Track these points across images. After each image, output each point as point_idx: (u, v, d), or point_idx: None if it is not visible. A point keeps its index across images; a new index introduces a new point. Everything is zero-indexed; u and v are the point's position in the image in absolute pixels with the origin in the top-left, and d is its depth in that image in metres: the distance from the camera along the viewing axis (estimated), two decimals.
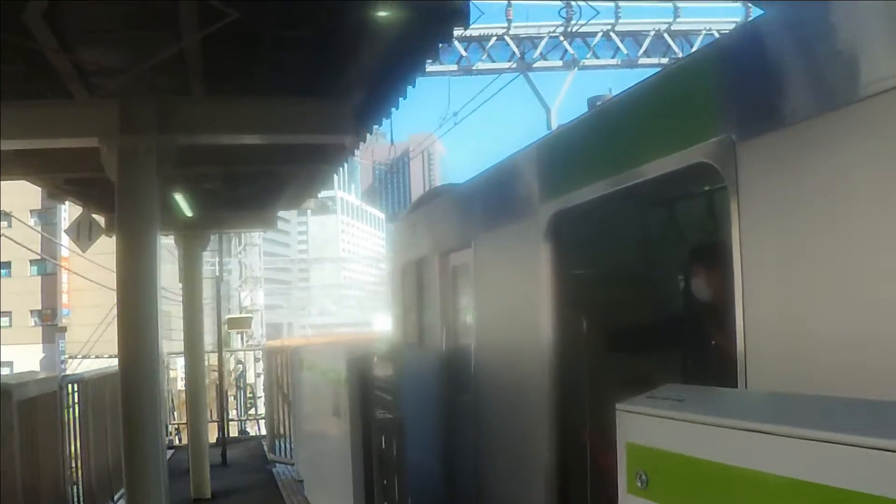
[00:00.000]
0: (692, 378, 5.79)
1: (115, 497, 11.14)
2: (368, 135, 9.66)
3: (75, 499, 9.68)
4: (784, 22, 3.91)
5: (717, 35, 25.85)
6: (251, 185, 12.12)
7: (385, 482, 8.24)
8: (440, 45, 7.36)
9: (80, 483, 9.93)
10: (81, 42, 6.57)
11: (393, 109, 8.73)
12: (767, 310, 3.76)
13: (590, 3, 24.20)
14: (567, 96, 26.83)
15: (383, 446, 8.12)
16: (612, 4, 25.59)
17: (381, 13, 5.74)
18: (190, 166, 8.92)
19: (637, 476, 3.09)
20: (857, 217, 3.29)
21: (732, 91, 4.18)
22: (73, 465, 9.71)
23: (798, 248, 3.57)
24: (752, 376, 3.80)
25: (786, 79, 3.72)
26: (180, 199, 11.34)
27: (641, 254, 7.52)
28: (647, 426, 3.04)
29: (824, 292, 3.43)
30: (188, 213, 12.07)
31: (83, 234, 12.71)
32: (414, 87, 8.07)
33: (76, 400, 9.84)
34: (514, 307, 7.08)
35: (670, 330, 6.46)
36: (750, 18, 25.54)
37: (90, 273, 25.91)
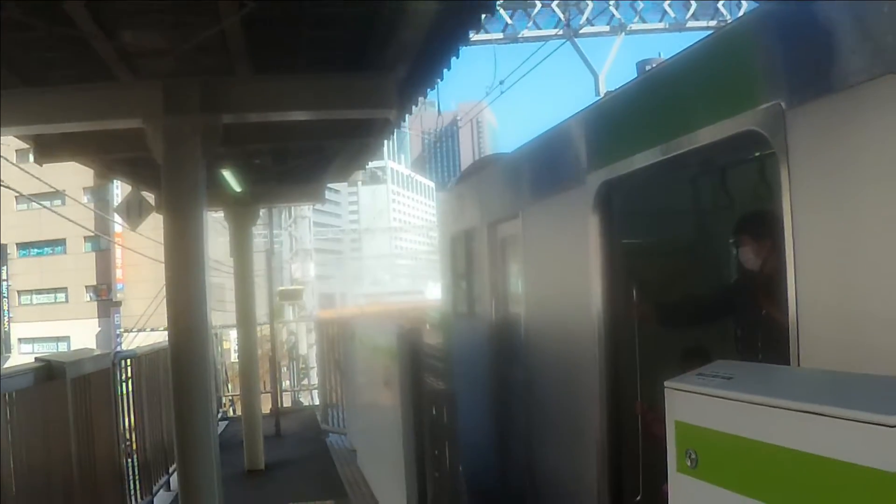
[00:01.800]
0: (743, 350, 5.72)
1: (171, 469, 11.30)
2: (414, 107, 9.61)
3: (131, 472, 9.82)
4: None
5: None
6: (299, 160, 12.15)
7: (437, 452, 8.28)
8: (483, 16, 7.28)
9: (136, 457, 10.07)
10: (123, 26, 6.59)
11: (437, 81, 8.68)
12: (821, 281, 3.68)
13: None
14: (615, 62, 26.49)
15: (435, 417, 8.15)
16: None
17: None
18: (237, 144, 8.95)
19: (687, 455, 3.05)
20: None
21: (781, 56, 4.08)
22: (129, 438, 9.84)
23: (851, 216, 3.49)
24: (804, 350, 3.72)
25: (835, 43, 3.63)
26: (229, 176, 11.41)
27: (692, 223, 7.43)
28: (696, 404, 3.00)
29: (880, 263, 3.34)
30: (237, 188, 12.14)
31: (133, 211, 12.83)
32: (458, 58, 8.00)
33: (130, 375, 9.96)
34: (564, 278, 7.03)
35: (721, 301, 6.37)
36: None
37: (143, 248, 26.22)
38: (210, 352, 7.79)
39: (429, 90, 9.02)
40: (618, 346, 6.16)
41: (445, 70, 8.28)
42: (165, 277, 7.23)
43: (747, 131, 4.22)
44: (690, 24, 25.58)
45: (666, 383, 3.22)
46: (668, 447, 3.27)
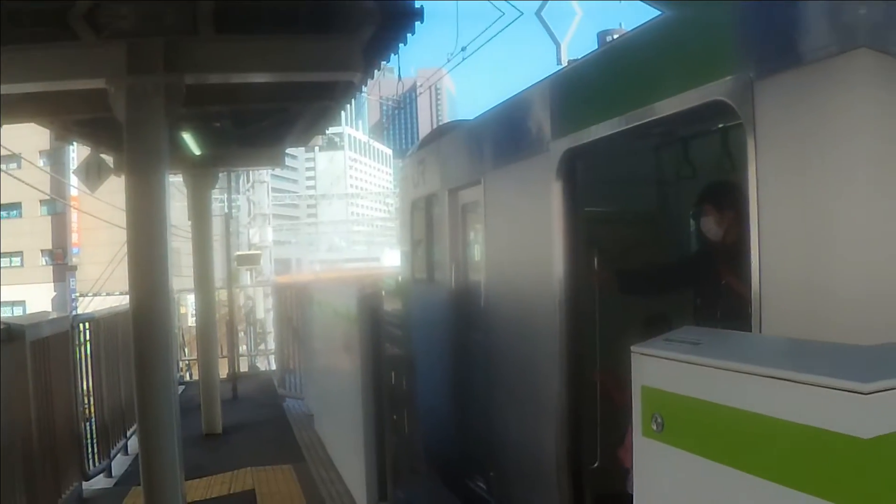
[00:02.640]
0: (702, 319, 5.78)
1: (129, 433, 11.26)
2: (376, 71, 9.55)
3: (89, 435, 9.78)
4: None
5: None
6: (259, 123, 12.03)
7: (395, 417, 8.32)
8: None
9: (94, 420, 10.03)
10: None
11: (401, 45, 8.63)
12: (784, 251, 3.72)
13: None
14: (578, 31, 26.49)
15: (393, 382, 8.18)
16: None
17: None
18: (198, 105, 8.83)
19: (653, 419, 3.09)
20: (879, 161, 3.25)
21: (751, 27, 4.11)
22: (87, 402, 9.79)
23: (817, 188, 3.53)
24: (767, 319, 3.78)
25: (807, 15, 3.66)
26: (189, 138, 11.30)
27: (655, 192, 7.48)
28: (662, 369, 3.03)
29: (843, 235, 3.40)
30: (197, 151, 12.02)
31: (92, 174, 12.65)
32: (422, 22, 7.96)
33: (88, 338, 9.89)
34: (525, 245, 7.06)
35: (682, 270, 6.44)
36: None
37: (99, 212, 25.92)
38: (172, 315, 7.73)
39: (392, 54, 8.97)
40: (578, 314, 6.22)
41: (410, 34, 8.23)
42: (127, 240, 7.15)
43: (713, 101, 4.25)
44: None
45: (633, 348, 3.26)
46: (633, 412, 3.31)
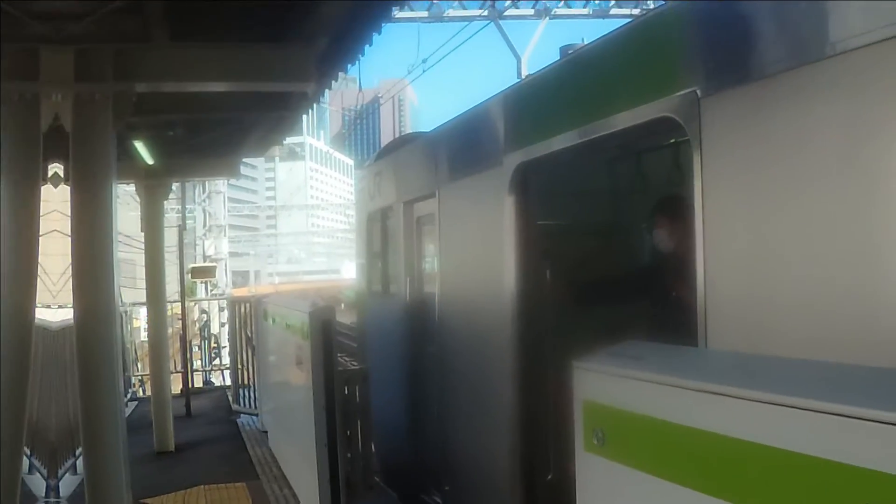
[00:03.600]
0: (654, 331, 5.80)
1: (77, 452, 11.05)
2: (333, 82, 9.52)
3: (36, 455, 9.59)
4: None
5: None
6: (214, 133, 11.91)
7: (349, 432, 8.26)
8: None
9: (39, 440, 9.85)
10: None
11: (358, 57, 8.60)
12: (728, 265, 3.75)
13: None
14: (538, 45, 26.65)
15: (347, 396, 8.12)
16: None
17: None
18: (151, 114, 8.75)
19: (594, 434, 3.07)
20: (821, 177, 3.26)
21: (698, 44, 4.15)
22: (33, 420, 9.60)
23: (760, 204, 3.55)
24: (711, 332, 3.79)
25: (751, 33, 3.68)
26: (141, 147, 11.16)
27: (607, 206, 7.51)
28: (604, 384, 3.01)
29: (785, 250, 3.41)
30: (150, 160, 11.88)
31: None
32: (380, 34, 7.94)
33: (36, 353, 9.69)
34: (479, 257, 7.06)
35: (635, 282, 6.48)
36: None
37: (52, 221, 25.56)
38: (117, 330, 7.59)
39: (349, 65, 8.94)
40: (531, 326, 6.22)
41: (367, 46, 8.21)
42: (72, 250, 7.01)
43: (662, 117, 4.27)
44: (614, 10, 25.84)
45: (575, 363, 3.24)
46: (575, 426, 3.29)
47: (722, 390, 2.49)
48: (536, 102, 6.30)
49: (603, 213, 7.50)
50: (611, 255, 7.15)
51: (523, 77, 24.24)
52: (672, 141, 6.10)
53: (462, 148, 7.66)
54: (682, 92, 4.06)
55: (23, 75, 6.88)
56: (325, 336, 7.89)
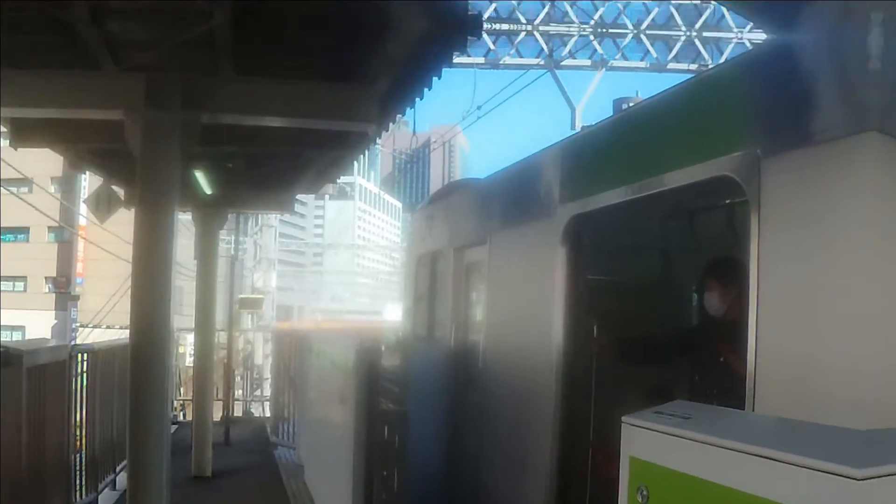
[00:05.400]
0: (698, 394, 5.75)
1: (118, 468, 11.17)
2: (391, 124, 9.64)
3: (79, 467, 9.71)
4: (813, 41, 3.88)
5: (747, 44, 25.76)
6: (272, 167, 12.11)
7: (385, 473, 8.25)
8: (468, 38, 7.33)
9: (84, 452, 9.96)
10: (112, 14, 6.55)
11: (417, 99, 8.71)
12: (781, 330, 3.72)
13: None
14: (593, 96, 26.73)
15: (386, 438, 8.12)
16: (642, 3, 25.46)
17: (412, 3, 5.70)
18: (212, 144, 8.91)
19: (638, 491, 3.07)
20: (880, 245, 3.26)
21: (760, 104, 4.15)
22: (78, 434, 9.73)
23: (817, 269, 3.54)
24: (760, 397, 3.76)
25: (816, 95, 3.69)
26: (200, 177, 11.35)
27: (658, 264, 7.48)
28: (651, 441, 3.02)
29: (838, 317, 3.40)
30: (208, 190, 12.08)
31: (102, 205, 12.73)
32: (440, 78, 8.04)
33: (85, 369, 9.85)
34: (527, 308, 7.06)
35: (682, 343, 6.42)
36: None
37: (106, 243, 25.96)
38: (170, 353, 7.72)
39: (408, 108, 9.05)
40: (574, 381, 6.20)
41: (426, 89, 8.32)
42: (132, 273, 7.16)
43: (721, 177, 4.27)
44: (671, 65, 25.88)
45: (623, 419, 3.25)
46: (620, 482, 3.29)
47: (769, 454, 2.50)
48: (593, 155, 6.33)
49: (653, 270, 7.47)
50: (659, 314, 7.11)
51: (578, 128, 24.41)
52: (727, 201, 6.08)
53: (515, 197, 7.70)
54: (742, 152, 4.07)
55: (92, 101, 7.10)
56: (371, 374, 7.91)
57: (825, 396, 3.42)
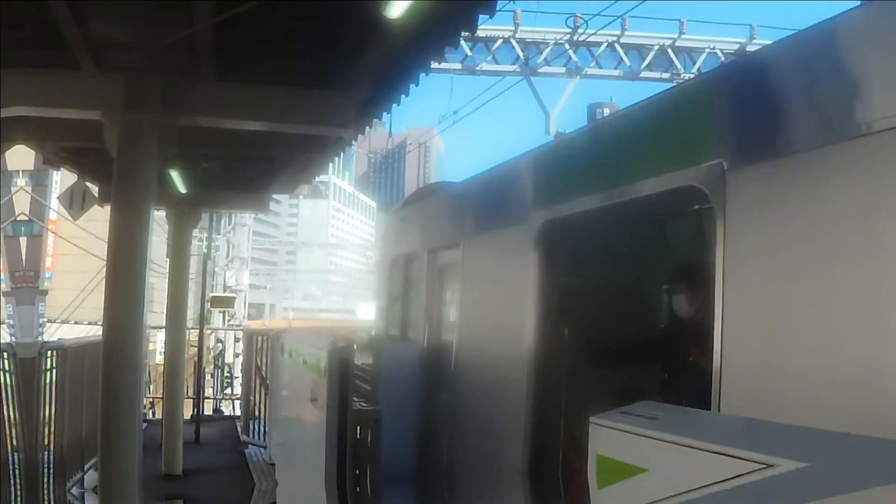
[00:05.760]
0: (667, 394, 5.86)
1: (86, 466, 11.16)
2: (368, 128, 9.72)
3: (46, 465, 9.69)
4: (784, 55, 4.02)
5: (719, 54, 26.04)
6: (248, 168, 12.16)
7: (357, 472, 8.31)
8: (447, 47, 7.43)
9: (52, 450, 9.94)
10: (94, 14, 6.59)
11: (394, 105, 8.80)
12: (745, 333, 3.84)
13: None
14: (567, 103, 26.98)
15: (359, 437, 8.18)
16: (618, 16, 25.69)
17: (393, 13, 5.78)
18: (189, 145, 8.95)
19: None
20: (841, 253, 3.38)
21: (727, 118, 4.28)
22: (46, 431, 9.71)
23: (779, 275, 3.66)
24: (725, 398, 3.88)
25: (780, 110, 3.82)
26: (175, 175, 11.37)
27: (628, 268, 7.59)
28: (619, 441, 3.12)
29: (802, 323, 3.52)
30: (182, 189, 12.10)
31: (76, 201, 12.72)
32: (417, 85, 8.14)
33: (54, 366, 9.82)
34: (499, 310, 7.15)
35: (652, 345, 6.52)
36: (752, 48, 25.80)
37: (76, 239, 25.83)
38: (143, 351, 7.74)
39: (385, 113, 9.14)
40: (546, 383, 6.27)
41: (404, 95, 8.41)
42: (106, 271, 7.20)
43: (688, 186, 4.40)
44: (644, 73, 26.11)
45: (591, 419, 3.35)
46: (589, 480, 3.39)
47: (732, 452, 2.61)
48: (566, 163, 6.44)
49: (623, 275, 7.58)
50: (630, 317, 7.21)
51: (552, 134, 24.55)
52: (695, 207, 6.20)
53: (490, 201, 7.78)
54: (709, 163, 4.20)
55: (72, 101, 7.12)
56: (343, 375, 7.95)
57: (786, 398, 3.54)
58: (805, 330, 3.51)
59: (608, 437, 3.19)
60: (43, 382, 9.40)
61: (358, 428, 8.24)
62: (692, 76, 25.18)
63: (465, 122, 23.75)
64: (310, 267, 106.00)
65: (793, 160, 3.62)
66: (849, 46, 3.55)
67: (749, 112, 4.04)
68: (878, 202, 3.22)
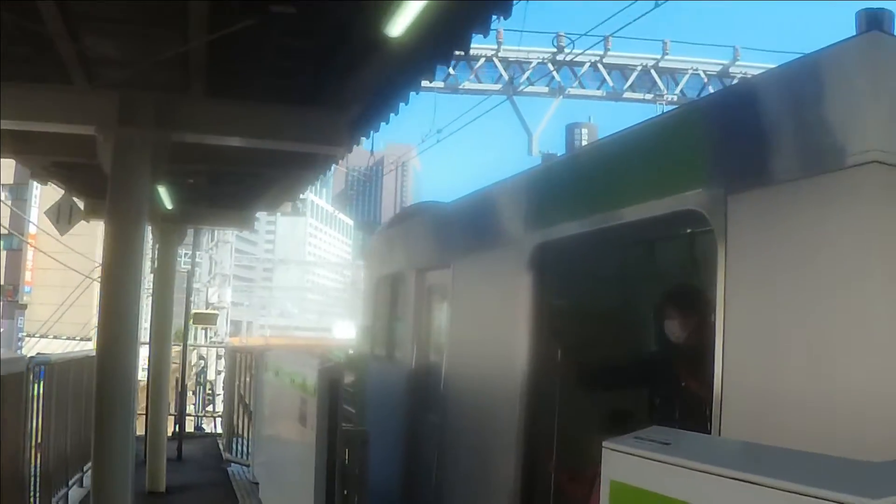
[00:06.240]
0: (659, 418, 5.85)
1: (70, 482, 11.06)
2: (356, 146, 9.74)
3: (33, 479, 9.60)
4: (781, 83, 4.07)
5: (702, 75, 26.24)
6: (234, 185, 12.14)
7: (345, 493, 8.27)
8: (439, 66, 7.45)
9: (38, 466, 9.85)
10: (89, 30, 6.58)
11: (383, 124, 8.83)
12: (746, 358, 3.86)
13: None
14: (550, 123, 27.11)
15: (346, 458, 8.15)
16: (601, 36, 25.82)
17: (394, 31, 5.79)
18: (180, 162, 8.93)
19: None
20: (839, 280, 3.42)
21: (728, 143, 4.31)
22: (31, 446, 9.62)
23: (780, 299, 3.69)
24: (726, 424, 3.89)
25: (779, 138, 3.86)
26: (162, 192, 11.34)
27: (621, 291, 7.61)
28: (633, 466, 3.13)
29: (801, 346, 3.55)
30: (168, 205, 12.06)
31: (63, 216, 12.69)
32: (407, 104, 8.17)
33: (41, 381, 9.75)
34: (490, 331, 7.15)
35: (643, 368, 6.53)
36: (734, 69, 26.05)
37: (57, 253, 25.68)
38: (137, 367, 7.70)
39: (373, 131, 9.17)
40: (537, 404, 6.28)
41: (393, 114, 8.44)
42: (101, 286, 7.18)
43: (687, 210, 4.43)
44: (627, 94, 26.27)
45: (605, 444, 3.35)
46: None
47: (742, 476, 2.63)
48: (561, 185, 6.46)
49: (617, 298, 7.60)
50: (622, 340, 7.22)
51: (535, 153, 24.61)
52: (689, 231, 6.23)
53: (481, 222, 7.79)
54: (709, 188, 4.23)
55: (66, 115, 7.10)
56: (333, 394, 7.94)
57: (788, 424, 3.56)
58: (806, 353, 3.54)
59: (622, 463, 3.19)
60: (29, 397, 9.33)
61: (346, 449, 8.21)
62: (676, 97, 25.42)
63: (445, 140, 23.84)
64: (286, 284, 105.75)
65: (793, 186, 3.67)
66: (843, 78, 3.60)
67: (751, 138, 4.07)
68: (874, 228, 3.28)
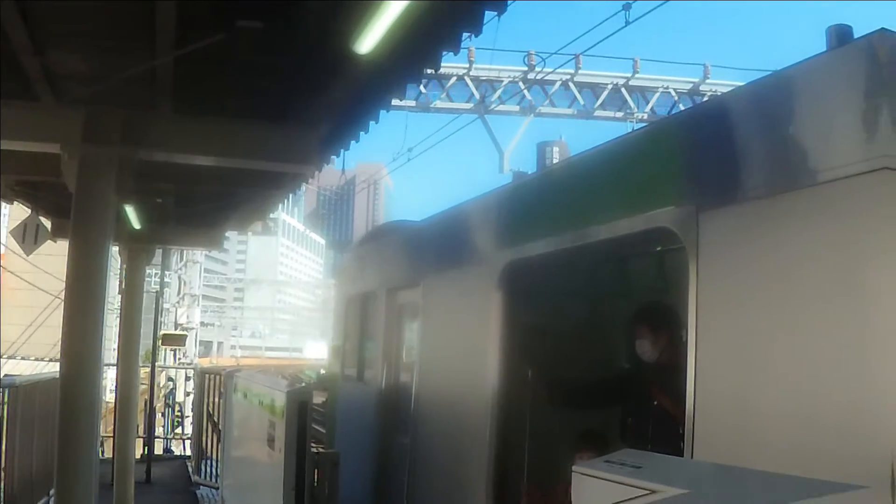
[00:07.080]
0: (631, 438, 5.83)
1: None
2: (326, 164, 9.67)
3: None
4: (753, 99, 4.06)
5: (672, 93, 26.37)
6: (203, 204, 12.03)
7: None
8: (409, 83, 7.41)
9: (3, 489, 9.70)
10: (54, 45, 6.48)
11: (353, 142, 8.77)
12: (718, 376, 3.82)
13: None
14: (521, 141, 27.13)
15: (316, 480, 8.05)
16: (572, 55, 25.86)
17: (362, 48, 5.73)
18: (147, 180, 8.83)
19: None
20: (811, 296, 3.39)
21: (699, 161, 4.29)
22: None
23: (753, 315, 3.66)
24: (699, 443, 3.84)
25: (750, 155, 3.84)
26: (130, 211, 11.23)
27: (592, 309, 7.58)
28: (603, 490, 3.08)
29: (773, 363, 3.52)
30: (136, 225, 11.94)
31: (29, 236, 12.52)
32: (377, 122, 8.12)
33: (6, 404, 9.63)
34: (461, 350, 7.09)
35: (615, 387, 6.49)
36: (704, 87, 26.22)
37: (25, 273, 25.39)
38: (100, 388, 7.58)
39: (343, 150, 9.10)
40: (508, 423, 6.23)
41: (363, 132, 8.38)
42: (64, 306, 7.05)
43: (658, 227, 4.40)
44: (598, 112, 26.35)
45: (574, 468, 3.30)
46: None
47: (717, 500, 2.59)
48: (532, 203, 6.43)
49: (588, 316, 7.57)
50: (593, 359, 7.19)
51: (506, 171, 24.64)
52: (659, 249, 6.21)
53: (451, 241, 7.73)
54: (680, 205, 4.20)
55: (30, 133, 7.00)
56: (301, 417, 7.83)
57: (762, 442, 3.52)
58: (779, 371, 3.50)
59: (592, 487, 3.14)
60: None
61: (315, 471, 8.11)
62: (646, 115, 25.55)
63: (417, 159, 23.78)
64: (258, 304, 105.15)
65: (764, 203, 3.64)
66: (813, 94, 3.59)
67: (722, 155, 4.05)
68: (844, 245, 3.26)
